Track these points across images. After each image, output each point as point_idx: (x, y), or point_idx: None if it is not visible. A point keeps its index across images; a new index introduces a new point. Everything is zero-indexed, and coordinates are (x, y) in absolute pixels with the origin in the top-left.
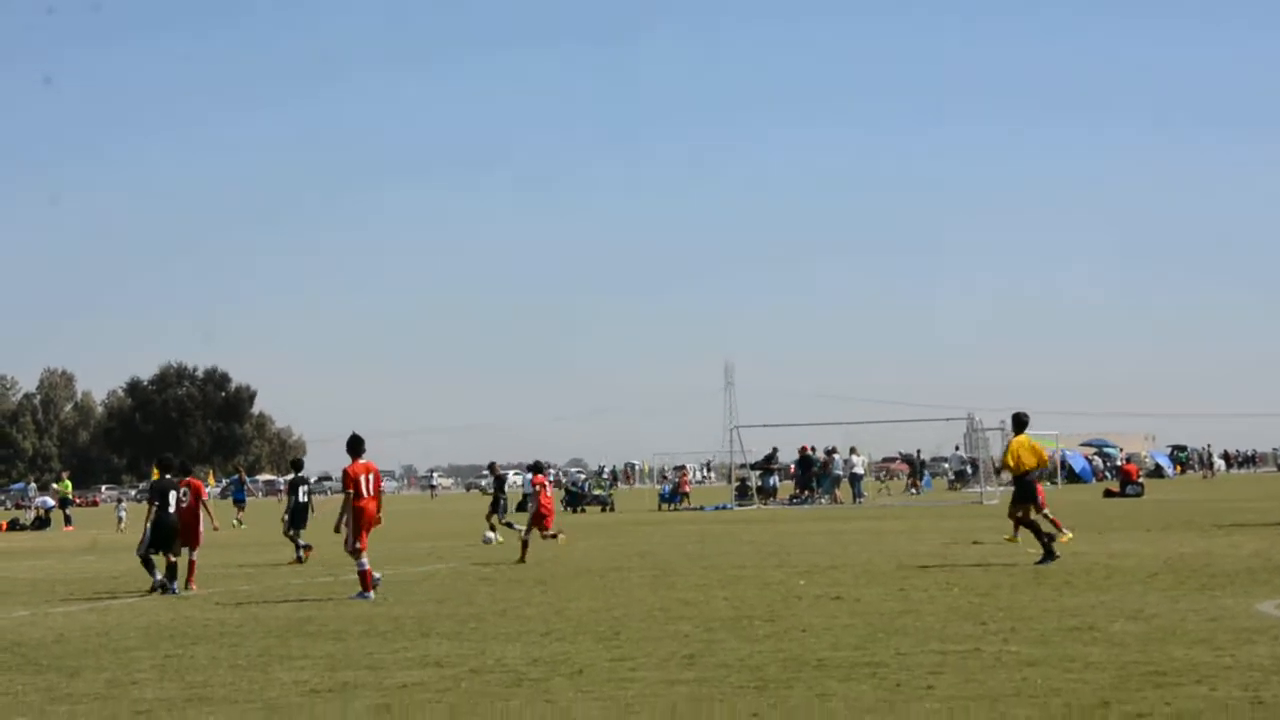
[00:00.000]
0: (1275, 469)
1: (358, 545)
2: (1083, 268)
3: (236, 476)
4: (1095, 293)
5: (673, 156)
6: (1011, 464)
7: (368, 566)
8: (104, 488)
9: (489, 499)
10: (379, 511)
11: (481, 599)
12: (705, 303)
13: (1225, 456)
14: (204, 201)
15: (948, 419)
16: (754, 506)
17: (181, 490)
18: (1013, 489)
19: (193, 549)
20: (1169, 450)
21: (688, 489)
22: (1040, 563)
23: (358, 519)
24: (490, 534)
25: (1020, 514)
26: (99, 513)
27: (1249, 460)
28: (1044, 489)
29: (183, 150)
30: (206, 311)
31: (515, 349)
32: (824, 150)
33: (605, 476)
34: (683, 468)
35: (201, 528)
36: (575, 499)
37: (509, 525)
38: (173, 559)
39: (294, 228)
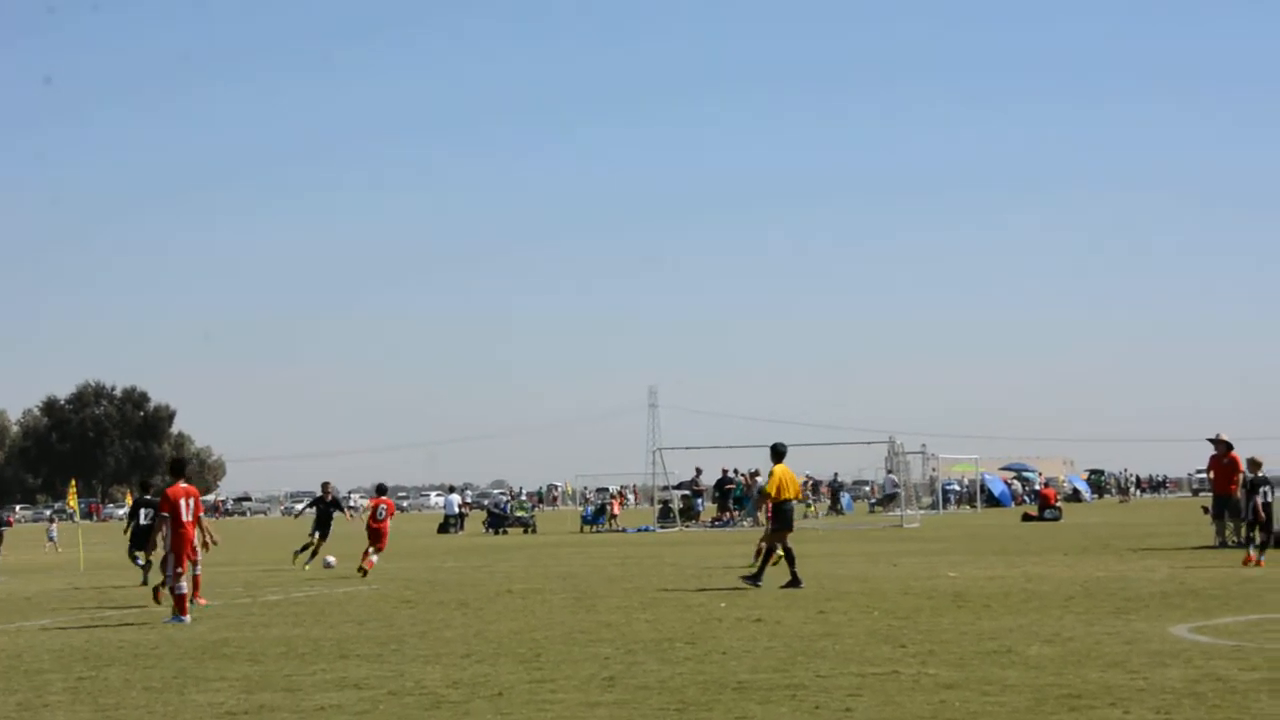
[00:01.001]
0: (1189, 494)
1: (177, 570)
2: (1002, 292)
3: None
4: (1015, 318)
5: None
6: (772, 492)
7: (185, 590)
8: (18, 508)
9: (309, 522)
10: (200, 536)
11: (402, 621)
12: (629, 323)
13: (1137, 481)
14: (129, 213)
15: (869, 442)
16: (677, 529)
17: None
18: (771, 517)
19: (194, 564)
20: (1086, 475)
21: (618, 511)
22: (748, 579)
23: (177, 544)
24: (330, 558)
25: (775, 541)
26: (13, 533)
27: (1160, 485)
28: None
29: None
30: (126, 330)
31: (439, 369)
32: (745, 169)
33: (525, 498)
34: (611, 490)
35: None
36: (497, 521)
37: (326, 562)
38: None
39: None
